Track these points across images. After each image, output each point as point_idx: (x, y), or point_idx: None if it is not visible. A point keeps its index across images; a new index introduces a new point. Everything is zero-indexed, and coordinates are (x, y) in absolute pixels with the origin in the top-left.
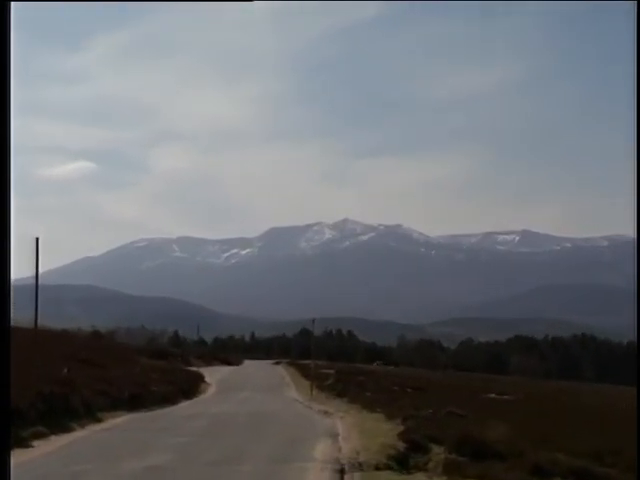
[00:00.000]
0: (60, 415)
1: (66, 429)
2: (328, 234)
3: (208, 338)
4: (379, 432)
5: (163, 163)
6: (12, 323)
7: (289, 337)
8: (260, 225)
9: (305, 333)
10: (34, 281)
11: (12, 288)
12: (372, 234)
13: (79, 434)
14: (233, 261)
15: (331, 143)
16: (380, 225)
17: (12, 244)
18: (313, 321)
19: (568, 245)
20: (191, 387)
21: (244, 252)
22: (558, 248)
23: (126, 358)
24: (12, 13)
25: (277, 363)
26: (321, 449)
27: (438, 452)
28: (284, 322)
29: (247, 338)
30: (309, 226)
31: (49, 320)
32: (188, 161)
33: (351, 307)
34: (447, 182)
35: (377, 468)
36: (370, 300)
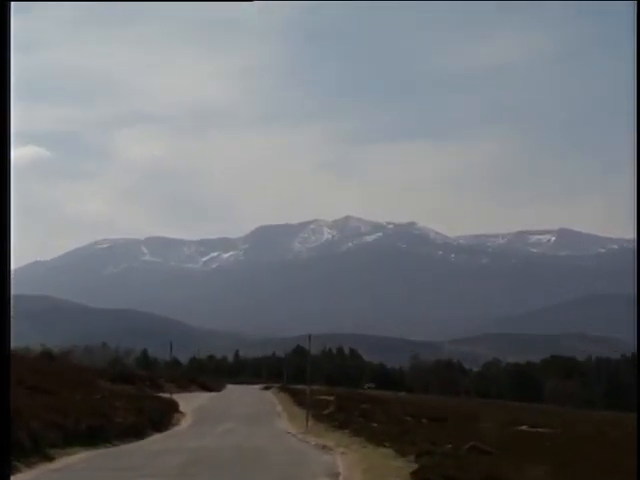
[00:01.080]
0: None
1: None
2: (327, 234)
3: (183, 358)
4: (388, 471)
5: (131, 150)
6: None
7: (280, 357)
8: (246, 223)
9: (300, 352)
10: None
11: None
12: (379, 234)
13: (24, 477)
14: (214, 266)
15: (332, 126)
16: (389, 223)
17: (12, 244)
18: (309, 338)
19: (614, 247)
20: (163, 417)
21: (227, 255)
22: (603, 251)
23: (84, 383)
24: (12, 13)
25: (266, 388)
26: None
27: None
28: (274, 339)
29: (230, 358)
30: (304, 224)
31: None
32: (161, 147)
33: (354, 321)
34: (470, 173)
35: None
36: (377, 313)
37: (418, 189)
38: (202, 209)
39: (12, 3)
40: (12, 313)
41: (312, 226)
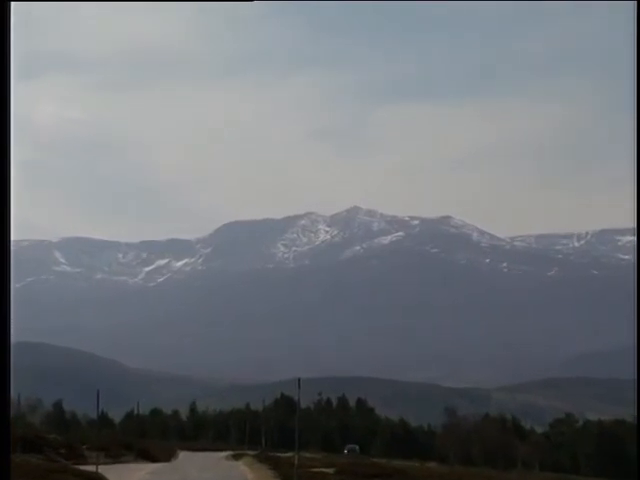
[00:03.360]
0: None
1: None
2: (324, 233)
3: (116, 414)
4: None
5: (36, 110)
6: None
7: (256, 411)
8: (208, 219)
9: (284, 404)
10: None
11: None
12: (399, 234)
13: None
14: (160, 279)
15: (328, 79)
16: (413, 219)
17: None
18: (298, 383)
19: None
20: None
21: (179, 264)
22: None
23: None
24: (12, 13)
25: (236, 457)
26: None
27: None
28: (247, 385)
29: (184, 413)
30: (292, 220)
31: None
32: (82, 108)
33: (363, 359)
34: (528, 146)
35: None
36: (395, 348)
37: (452, 168)
38: (144, 199)
39: (12, 3)
40: None
41: (303, 222)
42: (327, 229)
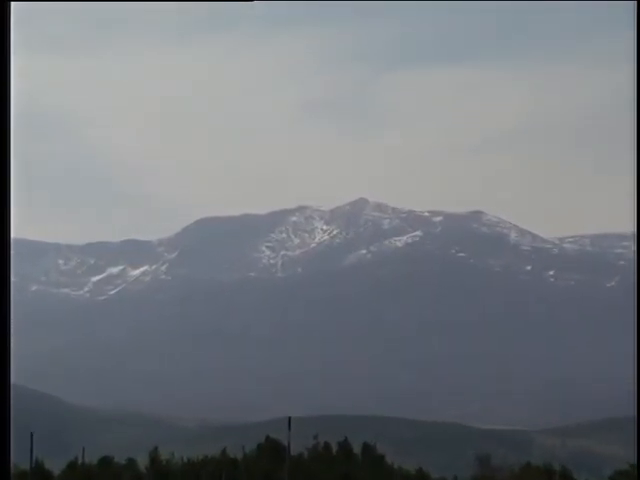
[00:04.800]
0: None
1: None
2: (321, 233)
3: (54, 464)
4: None
5: None
6: None
7: (234, 459)
8: (174, 216)
9: (272, 450)
10: None
11: None
12: (417, 233)
13: None
14: (112, 292)
15: (324, 38)
16: (435, 214)
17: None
18: (288, 423)
19: None
20: None
21: (137, 272)
22: None
23: None
24: (12, 13)
25: None
26: None
27: None
28: (223, 426)
29: (143, 463)
30: (280, 216)
31: None
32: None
33: (371, 394)
34: (578, 122)
35: None
36: (412, 378)
37: (484, 151)
38: (92, 189)
39: (12, 3)
40: None
41: (294, 218)
42: (325, 227)
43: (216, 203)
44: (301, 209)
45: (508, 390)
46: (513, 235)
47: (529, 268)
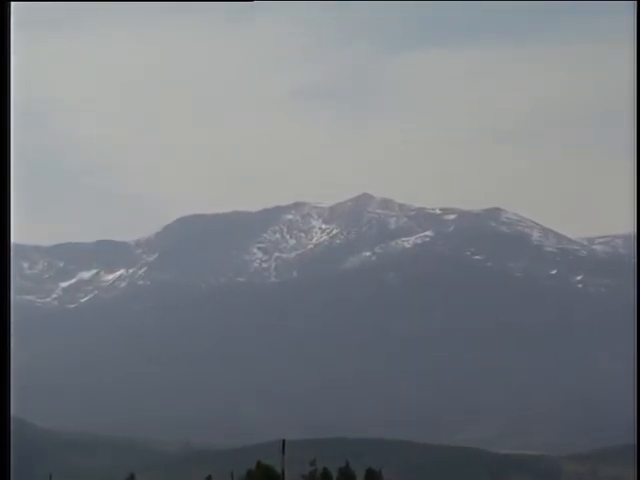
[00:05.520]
0: None
1: None
2: (320, 233)
3: None
4: None
5: None
6: None
7: None
8: (153, 212)
9: (264, 477)
10: None
11: None
12: (427, 233)
13: None
14: (83, 299)
15: (320, 15)
16: (447, 211)
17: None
18: (282, 446)
19: None
20: None
21: (111, 277)
22: None
23: None
24: (12, 13)
25: None
26: None
27: None
28: (209, 450)
29: None
30: (273, 214)
31: None
32: None
33: (375, 414)
34: (609, 107)
35: None
36: (422, 396)
37: (501, 140)
38: (60, 183)
39: (12, 3)
40: None
41: (289, 216)
42: (324, 227)
43: (201, 199)
44: (297, 206)
45: (529, 409)
46: (535, 235)
47: (554, 272)
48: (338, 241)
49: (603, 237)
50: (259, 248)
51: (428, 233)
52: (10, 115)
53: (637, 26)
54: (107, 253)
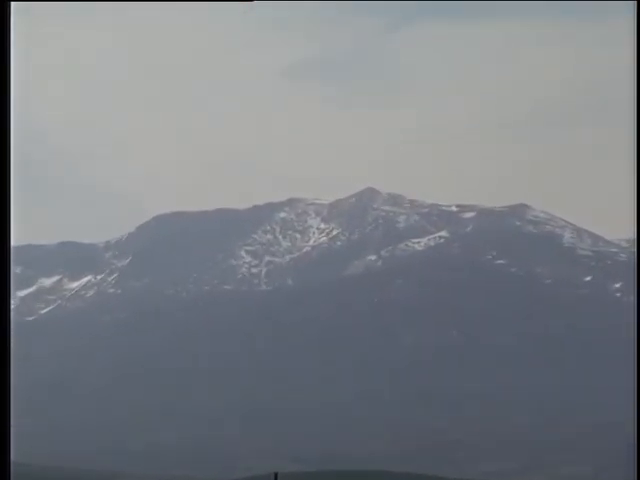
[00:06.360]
0: None
1: None
2: (317, 233)
3: None
4: None
5: None
6: None
7: None
8: (125, 209)
9: None
10: None
11: None
12: (442, 233)
13: None
14: (43, 310)
15: None
16: (464, 209)
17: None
18: None
19: None
20: None
21: (76, 285)
22: None
23: None
24: (12, 13)
25: None
26: None
27: None
28: None
29: None
30: (264, 211)
31: None
32: None
33: (381, 440)
34: None
35: None
36: (431, 419)
37: (526, 127)
38: (17, 176)
39: (12, 3)
40: None
41: (282, 214)
42: (322, 226)
43: (180, 195)
44: (292, 202)
45: (558, 437)
46: (568, 236)
47: (588, 279)
48: (339, 243)
49: None
50: (248, 251)
51: (443, 234)
52: (10, 115)
53: (637, 26)
54: (71, 256)
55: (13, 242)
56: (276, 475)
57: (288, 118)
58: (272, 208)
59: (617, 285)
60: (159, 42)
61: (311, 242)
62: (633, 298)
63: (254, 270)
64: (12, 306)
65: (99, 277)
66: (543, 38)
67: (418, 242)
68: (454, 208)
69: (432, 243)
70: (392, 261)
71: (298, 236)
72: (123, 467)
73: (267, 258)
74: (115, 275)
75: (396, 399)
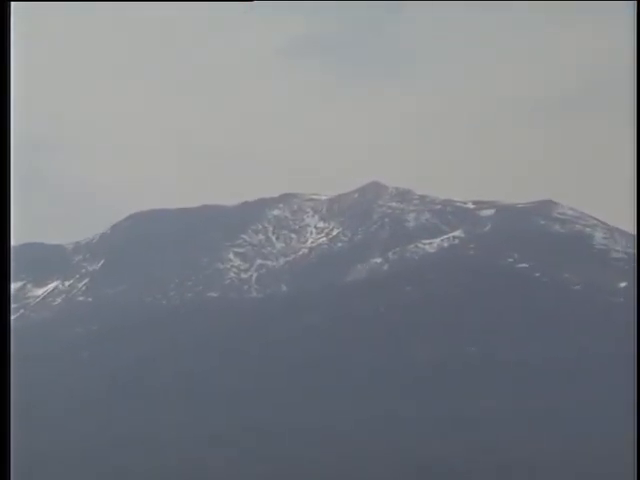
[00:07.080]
0: None
1: None
2: (316, 233)
3: None
4: None
5: None
6: None
7: None
8: (96, 207)
9: None
10: None
11: None
12: (456, 234)
13: None
14: (12, 317)
15: None
16: (482, 205)
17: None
18: None
19: None
20: None
21: (41, 292)
22: None
23: None
24: (12, 13)
25: None
26: None
27: None
28: None
29: None
30: (255, 208)
31: None
32: None
33: (387, 469)
34: None
35: None
36: (445, 446)
37: (549, 112)
38: None
39: (12, 3)
40: None
41: (276, 212)
42: (321, 225)
43: (160, 190)
44: (286, 198)
45: (586, 466)
46: (599, 236)
47: (623, 285)
48: (340, 244)
49: None
50: (236, 253)
51: (457, 234)
52: (10, 114)
53: (637, 26)
54: (36, 260)
55: None
56: None
57: (282, 104)
58: (264, 204)
59: None
60: (158, 38)
61: (308, 243)
62: (633, 299)
63: (244, 275)
64: None
65: (67, 283)
66: (551, 20)
67: (430, 243)
68: (470, 205)
69: (445, 244)
70: (400, 265)
71: (293, 236)
72: None
73: (258, 261)
74: (86, 281)
75: (403, 422)
